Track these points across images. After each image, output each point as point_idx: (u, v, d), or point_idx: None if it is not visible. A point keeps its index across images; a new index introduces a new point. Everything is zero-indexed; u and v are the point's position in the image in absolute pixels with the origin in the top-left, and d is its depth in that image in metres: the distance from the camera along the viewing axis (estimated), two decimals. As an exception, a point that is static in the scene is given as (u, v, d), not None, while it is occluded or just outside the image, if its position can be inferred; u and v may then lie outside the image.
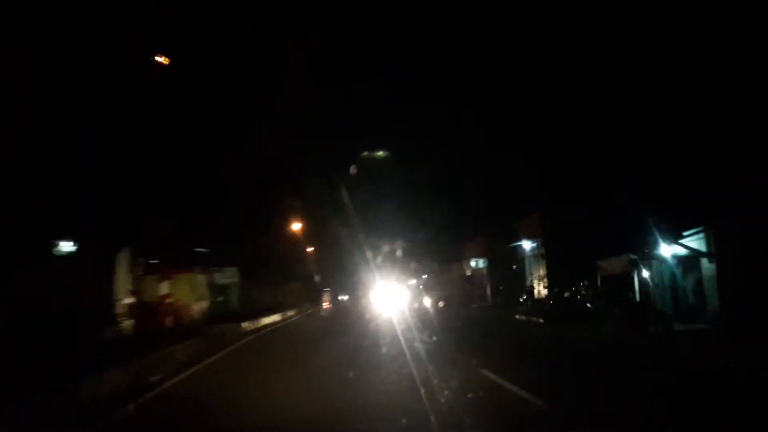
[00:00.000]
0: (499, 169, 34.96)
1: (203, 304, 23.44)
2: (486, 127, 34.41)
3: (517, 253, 33.63)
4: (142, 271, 17.42)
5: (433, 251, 54.40)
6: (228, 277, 38.68)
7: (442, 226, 49.50)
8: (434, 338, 15.71)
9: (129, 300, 16.30)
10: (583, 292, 21.17)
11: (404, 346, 13.66)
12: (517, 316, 24.71)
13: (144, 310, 17.08)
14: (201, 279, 23.58)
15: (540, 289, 29.73)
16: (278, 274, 49.77)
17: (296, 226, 46.59)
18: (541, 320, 21.29)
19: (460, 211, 44.54)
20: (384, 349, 13.85)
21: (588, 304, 19.97)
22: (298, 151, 37.93)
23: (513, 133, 31.76)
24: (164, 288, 20.48)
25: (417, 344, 14.09)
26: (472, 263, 41.35)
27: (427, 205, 48.48)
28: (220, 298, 40.30)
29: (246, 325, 23.64)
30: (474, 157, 39.44)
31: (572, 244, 23.58)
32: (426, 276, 60.77)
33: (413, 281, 59.90)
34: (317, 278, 63.91)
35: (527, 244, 31.65)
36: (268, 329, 25.90)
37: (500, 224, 36.91)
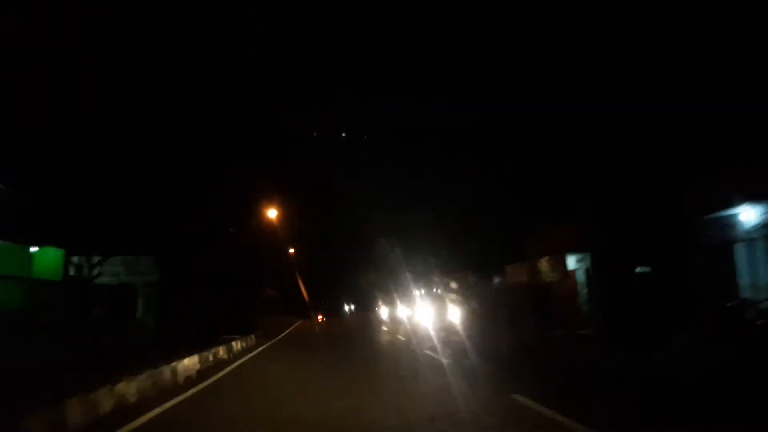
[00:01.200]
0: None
1: None
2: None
3: (708, 237, 16.36)
4: None
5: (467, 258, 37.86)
6: (128, 273, 20.97)
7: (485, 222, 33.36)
8: None
9: None
10: None
11: None
12: None
13: None
14: None
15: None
16: (240, 276, 32.22)
17: (273, 213, 29.02)
18: None
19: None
20: None
21: None
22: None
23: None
24: None
25: None
26: (571, 262, 23.80)
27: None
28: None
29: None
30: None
31: None
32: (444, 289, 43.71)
33: (439, 295, 42.92)
34: (303, 287, 47.30)
35: (749, 214, 14.53)
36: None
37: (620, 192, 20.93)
